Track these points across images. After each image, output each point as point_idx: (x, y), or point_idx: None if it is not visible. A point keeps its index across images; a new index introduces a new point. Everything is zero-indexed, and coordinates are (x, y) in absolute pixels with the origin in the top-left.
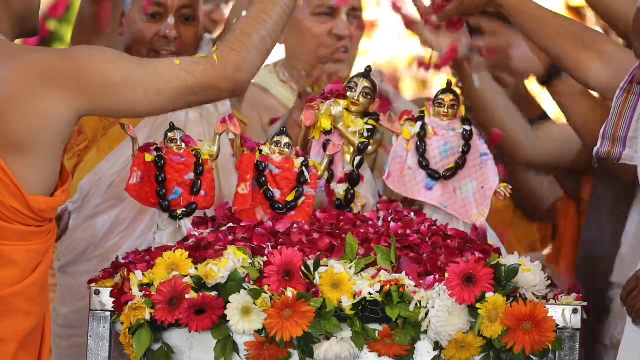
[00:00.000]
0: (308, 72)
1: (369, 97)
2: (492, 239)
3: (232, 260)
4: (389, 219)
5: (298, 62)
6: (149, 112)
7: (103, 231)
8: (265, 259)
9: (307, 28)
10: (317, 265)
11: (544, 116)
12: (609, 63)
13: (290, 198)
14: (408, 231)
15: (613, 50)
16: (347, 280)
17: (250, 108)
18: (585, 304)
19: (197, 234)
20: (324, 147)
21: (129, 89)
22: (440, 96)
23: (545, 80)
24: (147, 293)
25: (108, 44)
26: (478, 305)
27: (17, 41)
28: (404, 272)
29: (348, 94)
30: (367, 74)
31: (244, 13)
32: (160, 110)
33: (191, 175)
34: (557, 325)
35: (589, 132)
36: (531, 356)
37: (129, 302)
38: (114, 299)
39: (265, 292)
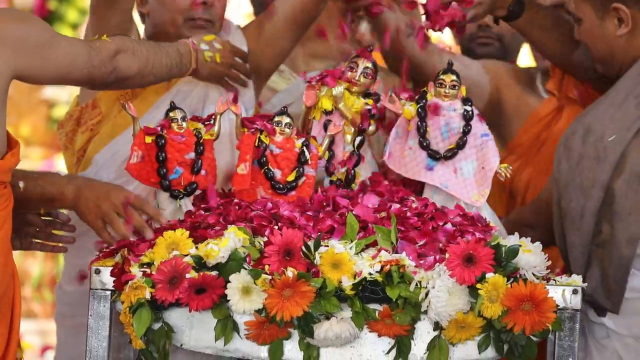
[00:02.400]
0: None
1: (370, 77)
2: (492, 219)
3: (233, 239)
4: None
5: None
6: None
7: None
8: (265, 238)
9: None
10: (317, 245)
11: None
12: None
13: (290, 178)
14: (408, 214)
15: None
16: (347, 261)
17: None
18: (586, 284)
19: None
20: (325, 127)
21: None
22: (441, 76)
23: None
24: (148, 272)
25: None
26: (478, 285)
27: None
28: (404, 252)
29: (349, 74)
30: (368, 54)
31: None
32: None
33: (192, 155)
34: (557, 305)
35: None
36: (531, 336)
37: (130, 282)
38: (114, 278)
39: (266, 272)
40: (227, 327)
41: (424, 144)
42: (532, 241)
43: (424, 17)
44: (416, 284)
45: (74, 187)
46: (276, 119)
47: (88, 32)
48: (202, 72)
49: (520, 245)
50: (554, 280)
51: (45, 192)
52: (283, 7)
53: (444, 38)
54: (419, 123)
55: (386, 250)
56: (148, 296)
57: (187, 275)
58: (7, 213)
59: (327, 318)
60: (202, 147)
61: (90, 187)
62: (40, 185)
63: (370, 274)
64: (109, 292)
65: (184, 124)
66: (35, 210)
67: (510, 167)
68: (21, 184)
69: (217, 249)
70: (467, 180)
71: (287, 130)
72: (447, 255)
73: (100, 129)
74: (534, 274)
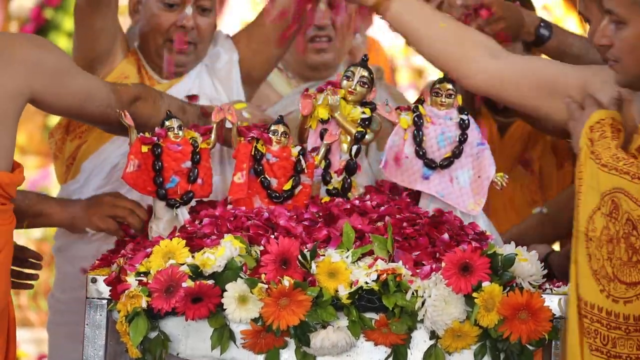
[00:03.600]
0: None
1: (366, 86)
2: (488, 228)
3: (229, 248)
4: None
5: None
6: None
7: None
8: (261, 247)
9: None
10: (313, 255)
11: None
12: None
13: (287, 187)
14: (404, 224)
15: None
16: (343, 269)
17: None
18: None
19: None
20: (321, 136)
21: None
22: (437, 85)
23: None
24: (144, 281)
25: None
26: (474, 294)
27: (13, 28)
28: (400, 261)
29: (345, 83)
30: (364, 63)
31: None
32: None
33: (188, 164)
34: (554, 314)
35: None
36: (527, 345)
37: (126, 291)
38: (110, 287)
39: (262, 281)
40: (223, 336)
41: (420, 152)
42: None
43: None
44: (412, 293)
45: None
46: (272, 127)
47: (74, 40)
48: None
49: (516, 254)
50: (550, 289)
51: (30, 206)
52: (270, 15)
53: None
54: (415, 132)
55: (382, 259)
56: (144, 305)
57: (184, 284)
58: (10, 229)
59: (324, 327)
60: (198, 156)
61: (89, 203)
62: (25, 199)
63: (367, 283)
64: (105, 301)
65: (181, 133)
66: (20, 224)
67: (507, 176)
68: None
69: (214, 258)
70: (463, 189)
71: (284, 139)
72: (443, 264)
73: (88, 137)
74: (530, 283)
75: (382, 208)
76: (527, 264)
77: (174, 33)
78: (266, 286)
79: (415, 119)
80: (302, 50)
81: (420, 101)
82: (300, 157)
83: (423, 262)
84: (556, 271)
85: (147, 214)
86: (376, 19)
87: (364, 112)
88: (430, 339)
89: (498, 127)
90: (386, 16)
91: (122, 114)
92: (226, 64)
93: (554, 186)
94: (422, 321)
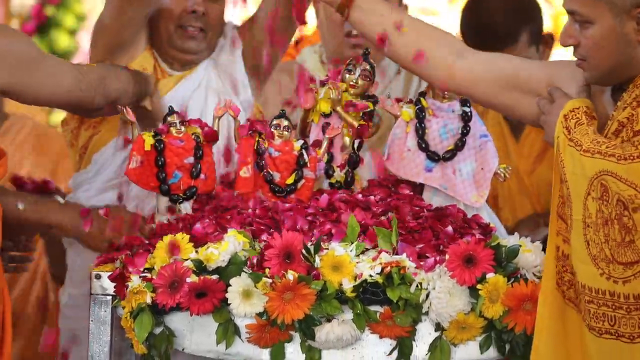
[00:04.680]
0: None
1: (368, 79)
2: (491, 219)
3: (233, 243)
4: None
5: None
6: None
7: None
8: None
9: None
10: (317, 248)
11: None
12: None
13: (290, 181)
14: (408, 217)
15: None
16: (347, 263)
17: (288, 81)
18: None
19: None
20: (323, 130)
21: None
22: None
23: None
24: (148, 277)
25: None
26: (479, 286)
27: (14, 25)
28: (404, 254)
29: (347, 76)
30: (366, 56)
31: None
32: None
33: (191, 159)
34: None
35: None
36: (533, 336)
37: (130, 286)
38: (115, 283)
39: (266, 275)
40: (228, 330)
41: (423, 145)
42: None
43: None
44: (417, 286)
45: (70, 217)
46: (275, 121)
47: (101, 24)
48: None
49: (520, 245)
50: None
51: (43, 218)
52: (269, 3)
53: None
54: (417, 124)
55: (386, 252)
56: (149, 301)
57: (188, 280)
58: None
59: (328, 320)
60: (201, 151)
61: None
62: (38, 211)
63: (371, 275)
64: (109, 297)
65: (183, 128)
66: (32, 233)
67: (510, 168)
68: (20, 206)
69: (217, 253)
70: (466, 182)
71: (286, 133)
72: (447, 257)
73: (102, 128)
74: (534, 274)
75: (386, 201)
76: (531, 254)
77: (185, 19)
78: (270, 280)
79: (418, 111)
80: (339, 44)
81: (422, 94)
82: (303, 151)
83: (427, 254)
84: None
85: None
86: None
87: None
88: (435, 331)
89: (512, 127)
90: (349, 22)
91: (124, 110)
92: (229, 58)
93: None
94: (426, 313)
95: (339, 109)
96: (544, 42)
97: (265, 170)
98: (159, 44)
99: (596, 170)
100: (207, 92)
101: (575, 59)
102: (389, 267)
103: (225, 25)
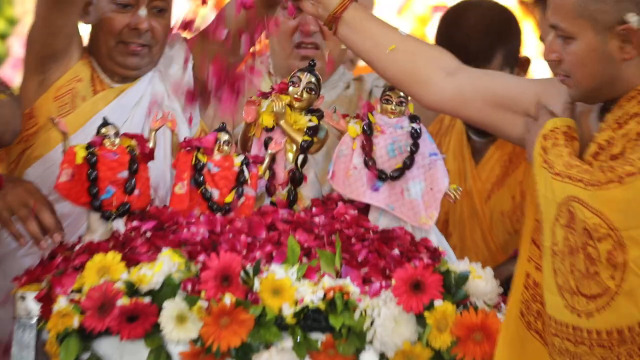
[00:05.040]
0: None
1: (313, 92)
2: (441, 243)
3: (167, 264)
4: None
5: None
6: None
7: None
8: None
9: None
10: (257, 271)
11: None
12: None
13: (229, 199)
14: (352, 240)
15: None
16: (288, 287)
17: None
18: None
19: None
20: (265, 145)
21: None
22: (388, 92)
23: None
24: (76, 299)
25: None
26: (426, 313)
27: None
28: (348, 278)
29: (291, 89)
30: (311, 68)
31: None
32: None
33: (125, 174)
34: None
35: None
36: None
37: (57, 308)
38: (41, 305)
39: (202, 299)
40: (160, 357)
41: (369, 163)
42: None
43: None
44: (361, 312)
45: None
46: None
47: (30, 34)
48: None
49: (470, 272)
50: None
51: None
52: (228, 20)
53: None
54: (364, 141)
55: (329, 276)
56: (76, 324)
57: (118, 302)
58: None
59: (267, 348)
60: (136, 166)
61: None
62: None
63: (313, 301)
64: (34, 320)
65: (117, 141)
66: None
67: (460, 189)
68: None
69: (151, 274)
70: (414, 202)
71: (226, 147)
72: (393, 282)
73: (35, 141)
74: (485, 302)
75: (329, 222)
76: (482, 281)
77: (126, 35)
78: (206, 304)
79: (365, 127)
80: (288, 56)
81: (369, 108)
82: (244, 167)
83: (372, 279)
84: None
85: (54, 221)
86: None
87: (310, 120)
88: None
89: (474, 150)
90: (337, 37)
91: (56, 121)
92: (179, 70)
93: None
94: (371, 342)
95: (282, 123)
96: (519, 64)
97: (203, 187)
98: (99, 55)
99: (564, 196)
100: (152, 107)
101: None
102: (331, 292)
103: (174, 37)
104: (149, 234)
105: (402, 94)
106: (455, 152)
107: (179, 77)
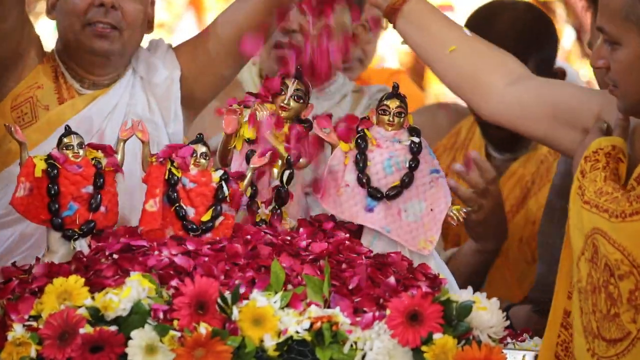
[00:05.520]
0: None
1: (301, 101)
2: (441, 269)
3: (136, 289)
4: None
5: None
6: None
7: (4, 248)
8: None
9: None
10: (236, 298)
11: None
12: None
13: (206, 218)
14: (343, 265)
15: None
16: (271, 316)
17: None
18: None
19: None
20: (247, 159)
21: None
22: (385, 102)
23: None
24: (34, 326)
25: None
26: (424, 348)
27: None
28: (338, 308)
29: (277, 96)
30: (299, 74)
31: None
32: None
33: (89, 189)
34: None
35: None
36: None
37: (12, 337)
38: None
39: (174, 328)
40: None
41: (363, 180)
42: None
43: None
44: (351, 345)
45: None
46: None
47: None
48: None
49: (474, 302)
50: (512, 343)
51: None
52: (223, 28)
53: None
54: (357, 156)
55: (317, 305)
56: (34, 354)
57: (81, 330)
58: None
59: None
60: (102, 180)
61: None
62: None
63: (298, 332)
64: None
65: (81, 152)
66: None
67: (464, 210)
68: None
69: (117, 300)
70: (413, 224)
71: (203, 161)
72: (387, 312)
73: None
74: (489, 336)
75: (317, 245)
76: (486, 313)
77: (92, 14)
78: (179, 334)
79: (358, 140)
80: (267, 57)
81: (363, 120)
82: (222, 183)
83: (364, 309)
84: (517, 326)
85: None
86: None
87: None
88: None
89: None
90: (397, 31)
91: (12, 129)
92: (165, 80)
93: None
94: None
95: (266, 134)
96: (553, 76)
97: (177, 205)
98: (67, 53)
99: (590, 227)
100: (128, 117)
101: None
102: (319, 323)
103: (157, 43)
104: (115, 256)
105: (399, 103)
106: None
107: (165, 87)
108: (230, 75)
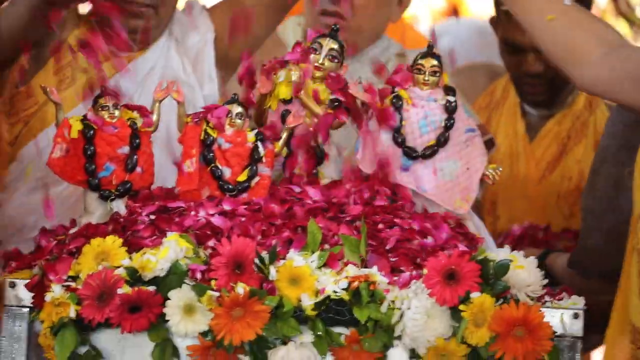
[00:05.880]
0: None
1: (336, 60)
2: (478, 228)
3: (173, 249)
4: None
5: None
6: None
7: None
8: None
9: None
10: (273, 258)
11: None
12: None
13: (242, 178)
14: (379, 225)
15: None
16: (308, 275)
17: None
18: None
19: None
20: (283, 119)
21: None
22: (420, 61)
23: None
24: (72, 287)
25: None
26: (462, 307)
27: None
28: (375, 267)
29: (311, 56)
30: (334, 33)
31: None
32: None
33: (125, 149)
34: (555, 332)
35: None
36: None
37: (51, 297)
38: (32, 293)
39: (212, 288)
40: (165, 352)
41: (399, 140)
42: None
43: None
44: (389, 304)
45: None
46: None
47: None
48: None
49: (511, 260)
50: (550, 301)
51: None
52: None
53: None
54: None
55: (354, 264)
56: (73, 315)
57: (119, 291)
58: None
59: (284, 343)
60: (138, 140)
61: None
62: None
63: (335, 291)
64: (26, 310)
65: (117, 113)
66: None
67: (500, 168)
68: None
69: (155, 260)
70: (449, 184)
71: (239, 121)
72: (425, 271)
73: (31, 119)
74: (527, 294)
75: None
76: (524, 271)
77: None
78: (217, 294)
79: (394, 100)
80: (315, 20)
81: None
82: (258, 143)
83: (402, 268)
84: (558, 276)
85: None
86: None
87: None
88: (410, 358)
89: (528, 125)
90: None
91: (48, 90)
92: (199, 42)
93: None
94: (400, 338)
95: (301, 94)
96: None
97: (213, 165)
98: (102, 22)
99: None
100: (163, 79)
101: None
102: (356, 282)
103: (193, 3)
104: (152, 217)
105: (435, 62)
106: (507, 127)
107: (199, 48)
108: (264, 34)
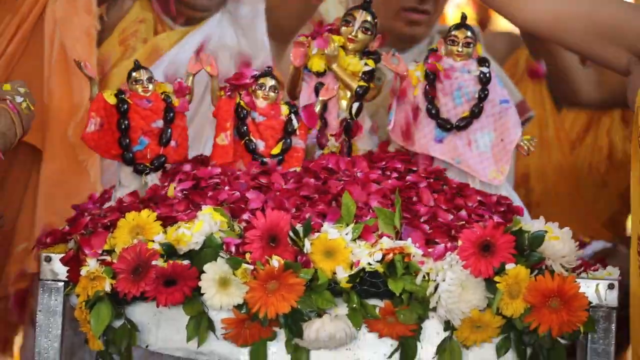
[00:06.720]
0: None
1: (369, 32)
2: (513, 200)
3: (208, 223)
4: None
5: None
6: None
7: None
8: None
9: None
10: (307, 230)
11: None
12: None
13: (276, 151)
14: (414, 198)
15: None
16: (342, 248)
17: None
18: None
19: None
20: (316, 91)
21: None
22: (453, 32)
23: None
24: (108, 260)
25: None
26: (497, 278)
27: None
28: (409, 239)
29: (344, 29)
30: (367, 5)
31: None
32: None
33: (160, 123)
34: (590, 302)
35: None
36: (559, 339)
37: (86, 271)
38: (68, 268)
39: (247, 261)
40: (201, 325)
41: (433, 111)
42: None
43: None
44: (423, 276)
45: None
46: (259, 80)
47: None
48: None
49: (546, 232)
50: (586, 272)
51: None
52: None
53: None
54: (426, 87)
55: (388, 237)
56: (108, 288)
57: (154, 264)
58: None
59: (319, 315)
60: (172, 114)
61: None
62: None
63: (370, 264)
64: (61, 284)
65: (151, 87)
66: None
67: (535, 139)
68: None
69: (190, 234)
70: (483, 155)
71: (272, 94)
72: (459, 243)
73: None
74: (562, 265)
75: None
76: (559, 242)
77: None
78: (251, 267)
79: (427, 71)
80: (393, 16)
81: (433, 51)
82: (292, 116)
83: (436, 240)
84: None
85: None
86: None
87: (366, 64)
88: (445, 330)
89: (554, 96)
90: None
91: (82, 64)
92: (250, 13)
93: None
94: (434, 309)
95: (334, 66)
96: None
97: (247, 138)
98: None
99: None
100: (220, 51)
101: None
102: (391, 254)
103: None
104: (186, 191)
105: (469, 33)
106: (535, 97)
107: (250, 19)
108: (316, 3)
